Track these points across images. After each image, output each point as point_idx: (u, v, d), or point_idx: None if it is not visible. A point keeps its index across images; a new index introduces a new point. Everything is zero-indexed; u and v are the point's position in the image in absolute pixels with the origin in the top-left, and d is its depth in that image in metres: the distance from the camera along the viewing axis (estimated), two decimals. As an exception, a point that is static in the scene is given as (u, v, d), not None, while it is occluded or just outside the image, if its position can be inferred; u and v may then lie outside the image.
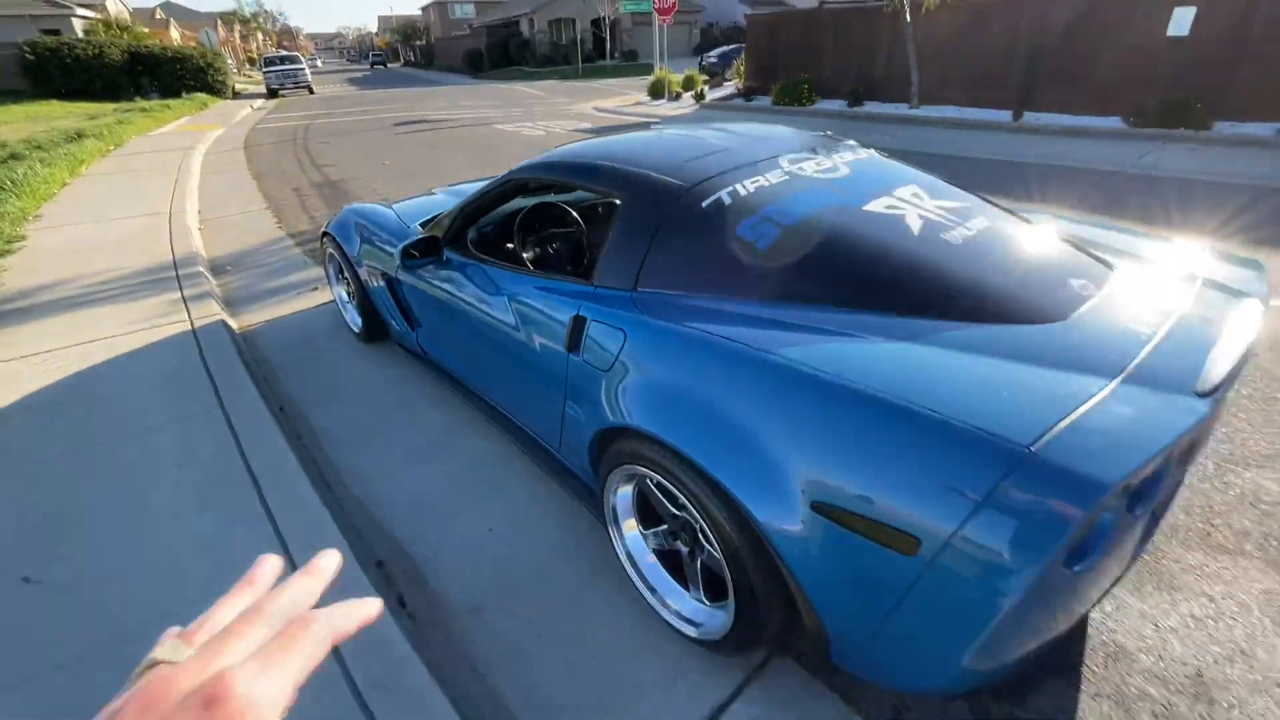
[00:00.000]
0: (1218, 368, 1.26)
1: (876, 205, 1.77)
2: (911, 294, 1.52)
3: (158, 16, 46.38)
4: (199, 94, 20.81)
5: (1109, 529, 1.12)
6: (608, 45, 35.69)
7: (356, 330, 3.58)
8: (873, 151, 2.25)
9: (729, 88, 17.03)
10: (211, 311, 3.89)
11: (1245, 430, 2.50)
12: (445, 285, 2.50)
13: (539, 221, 2.75)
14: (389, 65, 58.60)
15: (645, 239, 1.78)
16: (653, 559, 1.80)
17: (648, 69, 20.31)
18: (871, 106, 12.49)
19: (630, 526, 1.82)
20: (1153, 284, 1.62)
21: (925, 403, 1.18)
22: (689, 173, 1.86)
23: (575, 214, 2.81)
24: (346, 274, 3.46)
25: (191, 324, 3.70)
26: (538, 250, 2.72)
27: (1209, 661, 1.62)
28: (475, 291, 2.32)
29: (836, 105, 12.93)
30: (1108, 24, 9.59)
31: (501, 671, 1.71)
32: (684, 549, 1.70)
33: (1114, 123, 9.38)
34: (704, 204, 1.75)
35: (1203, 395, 1.19)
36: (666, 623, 1.74)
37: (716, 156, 1.98)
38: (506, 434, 2.44)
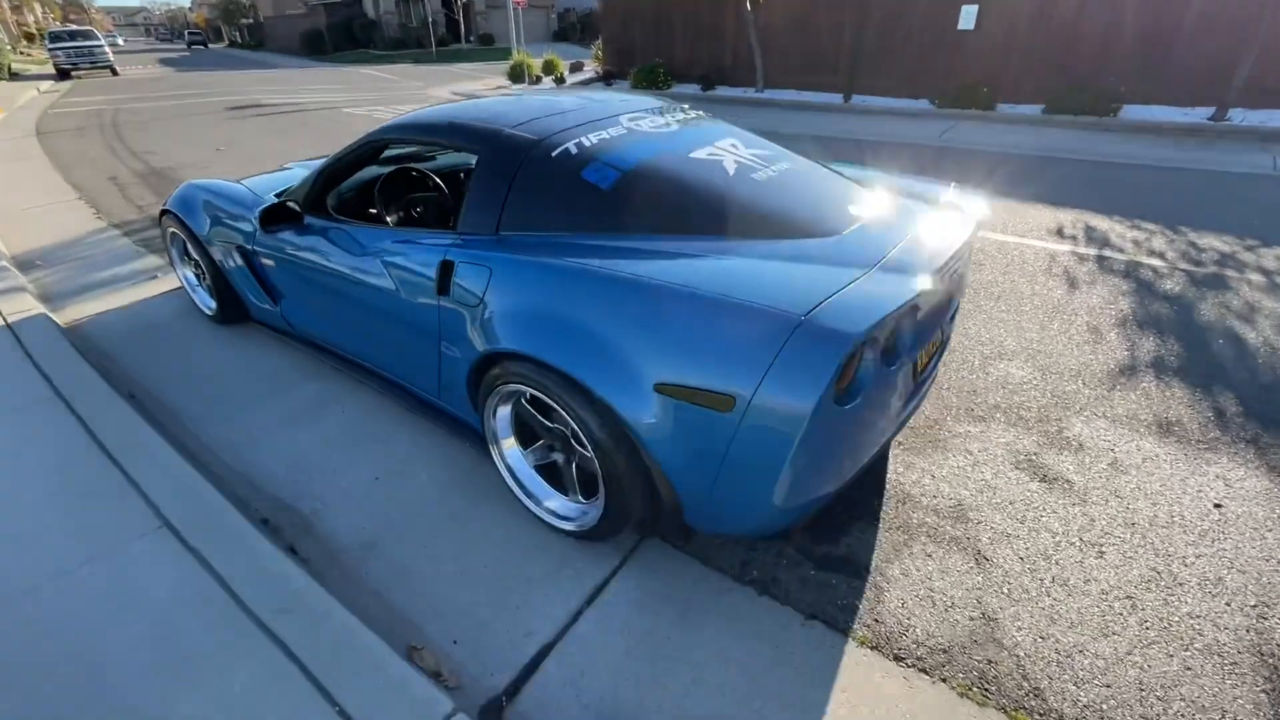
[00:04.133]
0: (936, 260, 1.70)
1: (700, 153, 2.09)
2: (726, 220, 1.84)
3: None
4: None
5: (869, 377, 1.50)
6: (462, 28, 34.44)
7: (210, 313, 3.42)
8: (701, 113, 2.59)
9: (588, 72, 17.23)
10: (26, 306, 3.52)
11: (1001, 335, 3.17)
12: (308, 252, 2.52)
13: (400, 186, 2.83)
14: (210, 45, 52.34)
15: (502, 188, 1.96)
16: (530, 469, 2.02)
17: (505, 53, 19.98)
18: (722, 90, 13.27)
19: (510, 444, 2.03)
20: (901, 208, 2.07)
21: (731, 294, 1.49)
22: (539, 128, 2.07)
23: (435, 178, 2.91)
24: (194, 254, 3.29)
25: (3, 319, 3.33)
26: (400, 213, 2.79)
27: (966, 495, 2.13)
28: (340, 254, 2.38)
29: (691, 89, 13.58)
30: (913, 18, 10.93)
31: (400, 590, 1.85)
32: (560, 458, 1.94)
33: (923, 104, 10.76)
34: (553, 154, 1.97)
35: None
36: (548, 524, 1.97)
37: (563, 116, 2.20)
38: (384, 392, 2.53)
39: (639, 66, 14.14)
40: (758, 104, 12.11)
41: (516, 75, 16.26)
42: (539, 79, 16.42)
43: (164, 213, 3.34)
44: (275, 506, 2.18)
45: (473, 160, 2.17)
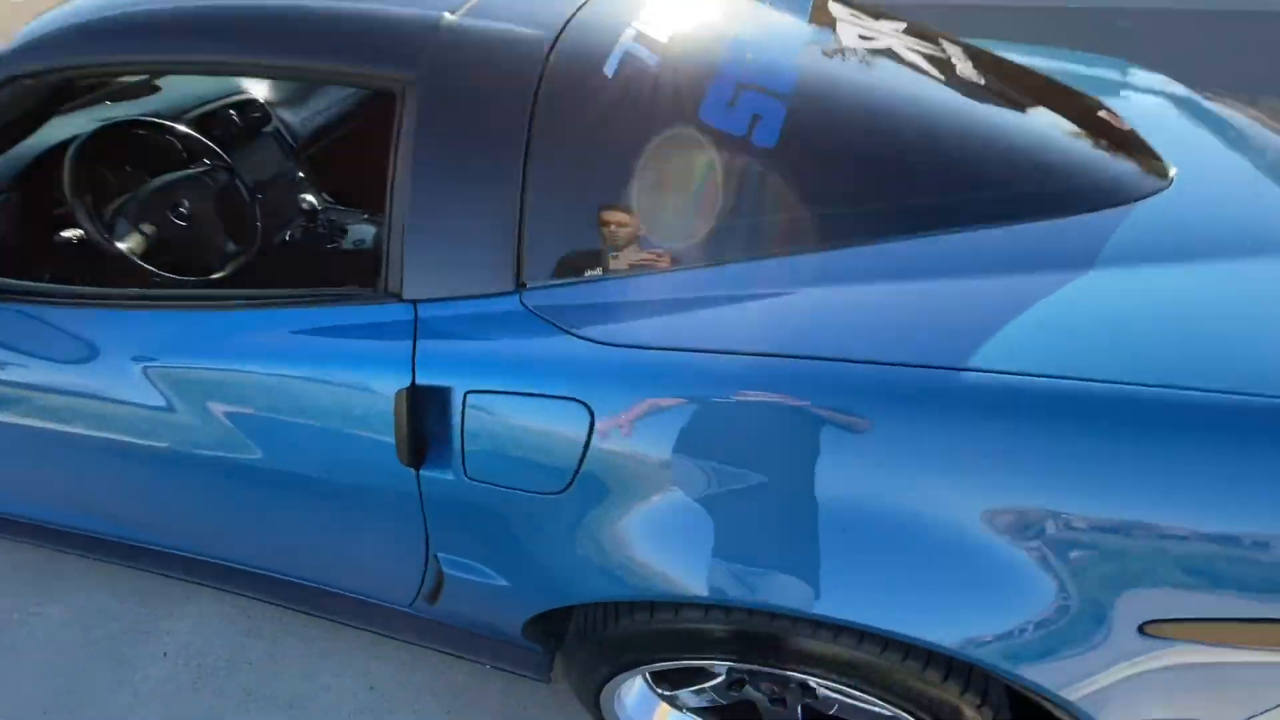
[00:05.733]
0: None
1: (860, 47, 1.06)
2: (1000, 188, 0.89)
3: None
4: None
5: None
6: None
7: None
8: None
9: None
10: None
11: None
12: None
13: (116, 170, 1.27)
14: None
15: (508, 173, 0.78)
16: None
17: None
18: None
19: (663, 715, 1.00)
20: (1165, 111, 1.31)
21: (1240, 384, 0.63)
22: (519, 7, 0.87)
23: (187, 131, 1.34)
24: None
25: None
26: (145, 236, 1.25)
27: None
28: (44, 369, 0.97)
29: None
30: None
31: None
32: (764, 698, 0.99)
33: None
34: (607, 70, 0.82)
35: None
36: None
37: None
38: (242, 589, 1.23)
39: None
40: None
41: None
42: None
43: None
44: None
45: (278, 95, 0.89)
